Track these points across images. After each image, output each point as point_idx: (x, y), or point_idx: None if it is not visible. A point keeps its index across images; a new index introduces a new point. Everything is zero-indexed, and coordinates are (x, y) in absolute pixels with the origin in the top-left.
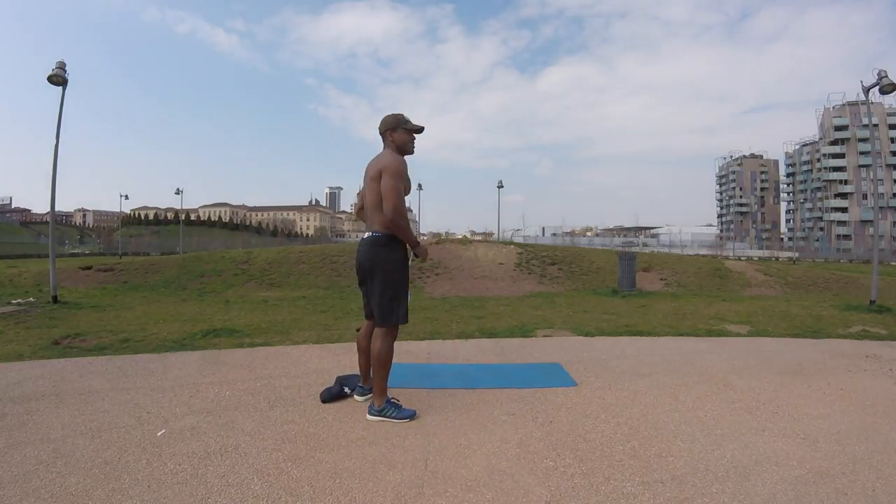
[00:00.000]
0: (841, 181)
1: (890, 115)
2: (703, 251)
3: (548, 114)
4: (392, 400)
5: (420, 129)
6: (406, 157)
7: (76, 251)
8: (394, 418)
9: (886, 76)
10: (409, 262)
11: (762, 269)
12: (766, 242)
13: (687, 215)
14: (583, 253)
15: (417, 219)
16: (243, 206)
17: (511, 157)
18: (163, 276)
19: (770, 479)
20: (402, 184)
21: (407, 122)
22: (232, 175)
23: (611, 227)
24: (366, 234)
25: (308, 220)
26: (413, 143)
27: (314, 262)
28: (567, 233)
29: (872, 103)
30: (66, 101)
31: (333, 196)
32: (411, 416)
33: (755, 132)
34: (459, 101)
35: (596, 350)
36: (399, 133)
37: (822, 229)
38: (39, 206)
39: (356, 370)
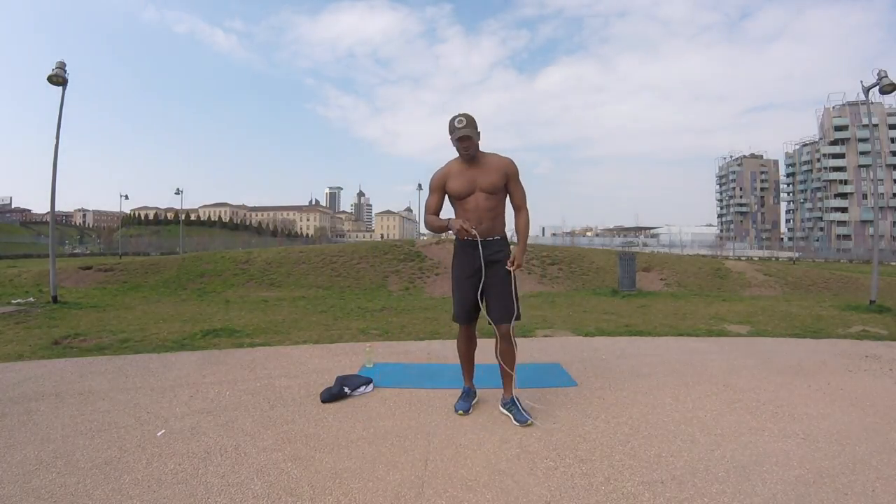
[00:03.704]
0: (841, 181)
1: (890, 115)
2: (703, 251)
3: (547, 114)
4: (470, 390)
5: (455, 137)
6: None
7: (76, 251)
8: (456, 403)
9: (886, 76)
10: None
11: (762, 269)
12: (766, 242)
13: (687, 215)
14: (583, 253)
15: (417, 219)
16: (243, 207)
17: (510, 156)
18: (163, 276)
19: (770, 479)
20: (431, 196)
21: (451, 131)
22: (232, 175)
23: (611, 227)
24: None
25: (308, 220)
26: (459, 147)
27: (314, 262)
28: (567, 233)
29: (872, 103)
30: (66, 101)
31: (333, 196)
32: (459, 410)
33: (755, 132)
34: (459, 101)
35: (596, 350)
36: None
37: (822, 229)
38: (39, 206)
39: (356, 370)
